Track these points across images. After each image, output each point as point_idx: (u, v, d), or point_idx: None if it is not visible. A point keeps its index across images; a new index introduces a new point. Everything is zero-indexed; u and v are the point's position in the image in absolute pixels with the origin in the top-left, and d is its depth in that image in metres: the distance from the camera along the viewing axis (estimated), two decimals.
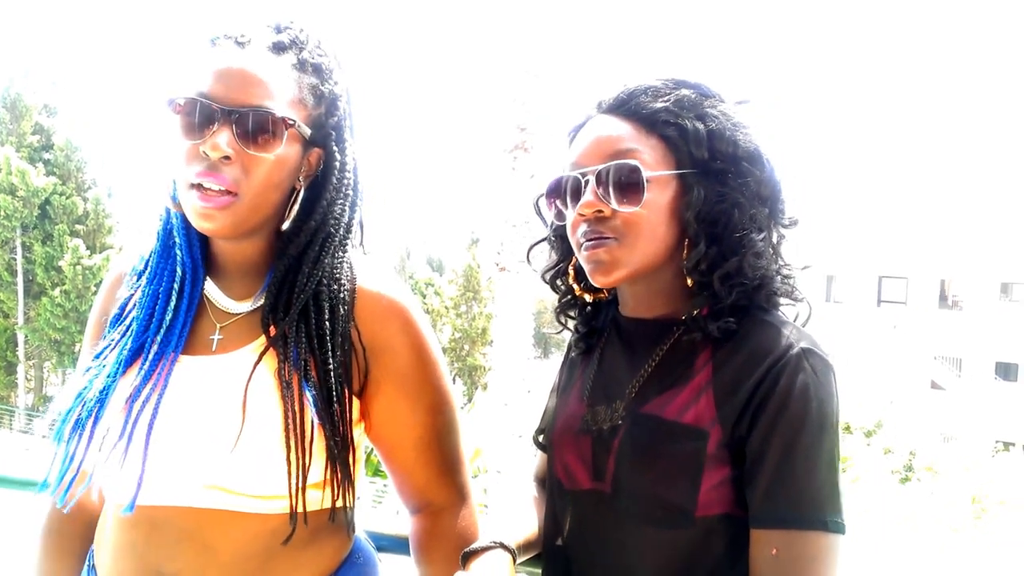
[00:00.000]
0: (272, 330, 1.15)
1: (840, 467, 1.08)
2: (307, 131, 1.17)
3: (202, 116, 1.09)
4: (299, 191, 1.19)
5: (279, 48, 1.15)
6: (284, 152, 1.13)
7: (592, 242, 1.16)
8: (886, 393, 24.18)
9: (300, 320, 1.17)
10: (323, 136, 1.20)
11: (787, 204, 1.21)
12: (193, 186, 1.10)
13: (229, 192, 1.10)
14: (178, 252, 1.21)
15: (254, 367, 1.12)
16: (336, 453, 1.15)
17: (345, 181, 1.23)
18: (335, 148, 1.22)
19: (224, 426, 1.09)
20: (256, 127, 1.10)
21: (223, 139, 1.08)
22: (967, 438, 22.10)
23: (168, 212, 1.24)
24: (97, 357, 1.21)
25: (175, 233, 1.22)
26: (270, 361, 1.14)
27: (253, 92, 1.10)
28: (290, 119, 1.12)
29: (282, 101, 1.12)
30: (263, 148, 1.11)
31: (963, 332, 28.76)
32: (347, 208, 1.24)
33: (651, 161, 1.14)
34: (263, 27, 1.17)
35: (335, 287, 1.20)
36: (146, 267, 1.26)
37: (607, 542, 1.17)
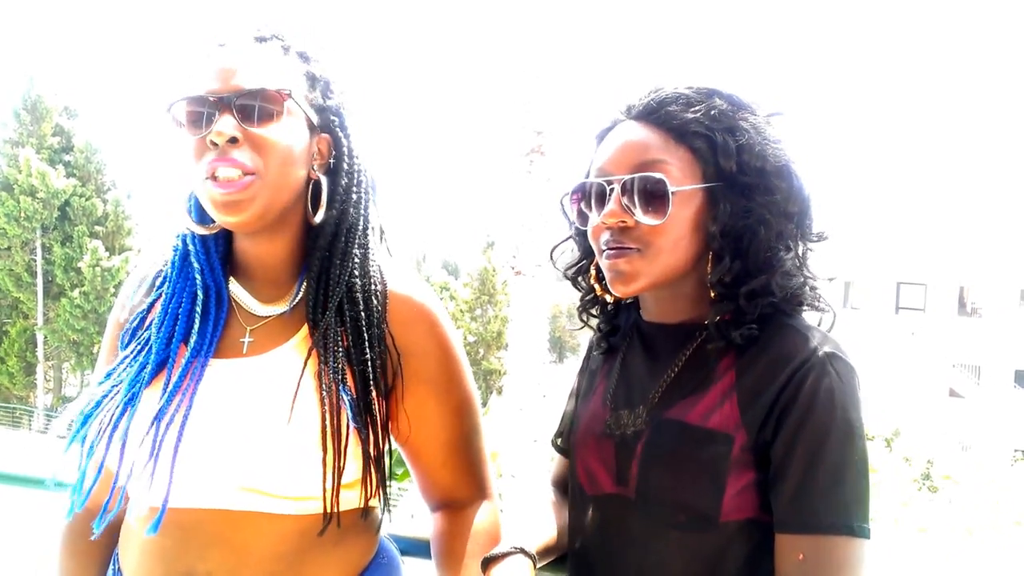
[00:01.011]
0: (314, 330, 1.16)
1: (867, 471, 1.07)
2: (307, 108, 1.18)
3: (203, 112, 1.12)
4: (315, 180, 1.21)
5: (261, 39, 1.19)
6: (289, 127, 1.15)
7: (614, 251, 1.15)
8: (904, 401, 23.96)
9: (336, 318, 1.18)
10: (326, 120, 1.22)
11: (815, 219, 1.20)
12: (208, 178, 1.11)
13: (249, 173, 1.11)
14: (198, 276, 1.21)
15: (304, 367, 1.13)
16: (371, 454, 1.16)
17: (356, 166, 1.25)
18: (340, 133, 1.23)
19: (261, 427, 1.10)
20: (256, 106, 1.12)
21: (227, 123, 1.10)
22: (985, 447, 21.87)
23: (184, 238, 1.25)
24: (110, 375, 1.20)
25: (193, 259, 1.23)
26: (309, 362, 1.15)
27: (245, 77, 1.13)
28: (285, 90, 1.14)
29: (274, 80, 1.15)
30: (267, 124, 1.12)
31: (982, 340, 28.47)
32: (363, 195, 1.25)
33: (678, 173, 1.13)
34: (242, 28, 1.21)
35: (366, 282, 1.21)
36: (162, 285, 1.26)
37: (630, 546, 1.17)
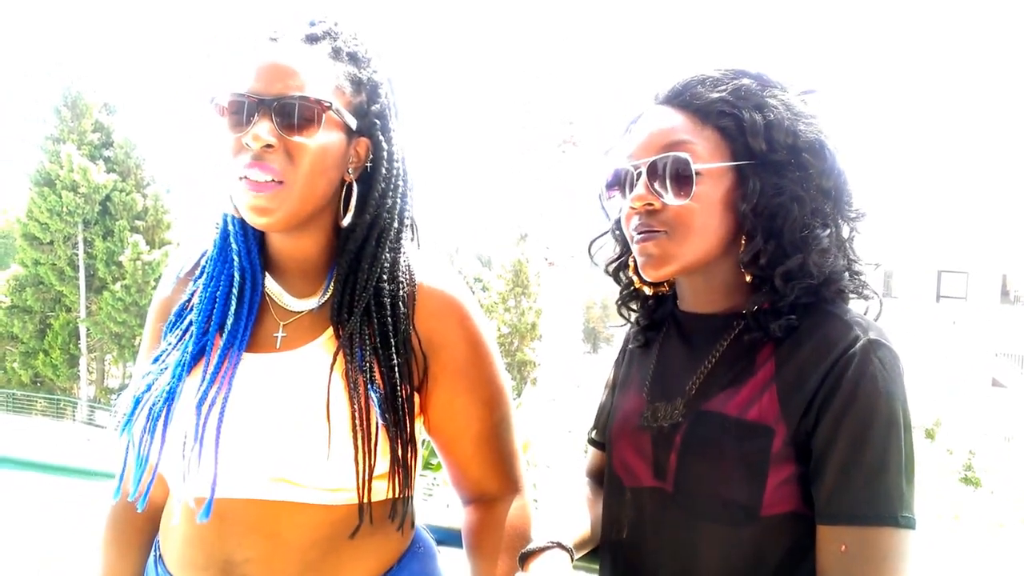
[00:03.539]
0: (340, 331, 1.17)
1: (912, 461, 1.04)
2: (348, 116, 1.18)
3: (243, 111, 1.12)
4: (350, 183, 1.21)
5: (312, 39, 1.18)
6: (326, 137, 1.14)
7: (643, 235, 1.15)
8: (945, 390, 23.58)
9: (363, 319, 1.18)
10: (368, 125, 1.21)
11: (853, 196, 1.17)
12: (241, 178, 1.12)
13: (277, 182, 1.12)
14: (235, 257, 1.23)
15: (331, 369, 1.14)
16: (399, 450, 1.17)
17: (395, 171, 1.24)
18: (381, 137, 1.22)
19: (292, 421, 1.11)
20: (295, 113, 1.12)
21: (263, 128, 1.10)
22: None
23: (225, 219, 1.26)
24: (156, 360, 1.22)
25: (232, 239, 1.24)
26: (337, 360, 1.16)
27: (288, 81, 1.12)
28: (326, 102, 1.14)
29: (318, 87, 1.14)
30: (304, 133, 1.12)
31: None
32: (399, 200, 1.25)
33: (704, 153, 1.12)
34: (296, 22, 1.20)
35: (395, 286, 1.21)
36: (202, 272, 1.28)
37: (669, 539, 1.16)
